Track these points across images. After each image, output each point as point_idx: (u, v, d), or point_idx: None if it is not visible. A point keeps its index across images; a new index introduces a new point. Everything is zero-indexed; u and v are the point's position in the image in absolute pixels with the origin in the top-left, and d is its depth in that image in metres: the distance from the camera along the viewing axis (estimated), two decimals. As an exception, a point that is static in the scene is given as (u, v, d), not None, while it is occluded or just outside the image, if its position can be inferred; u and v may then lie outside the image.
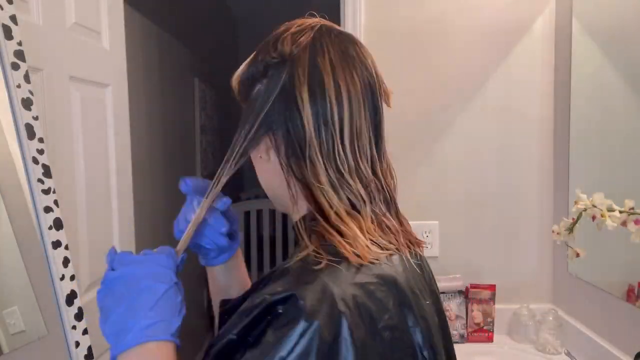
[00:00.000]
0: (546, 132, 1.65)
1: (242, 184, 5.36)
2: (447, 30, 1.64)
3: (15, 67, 0.92)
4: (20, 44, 0.93)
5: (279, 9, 4.80)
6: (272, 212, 4.17)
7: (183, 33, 3.25)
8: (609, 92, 1.37)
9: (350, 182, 0.58)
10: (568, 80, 1.54)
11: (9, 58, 0.91)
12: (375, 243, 0.57)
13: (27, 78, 0.94)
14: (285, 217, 4.13)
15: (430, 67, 1.65)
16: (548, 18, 1.63)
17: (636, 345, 1.14)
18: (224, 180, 0.63)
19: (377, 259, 0.55)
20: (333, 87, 0.58)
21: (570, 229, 1.16)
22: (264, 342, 0.48)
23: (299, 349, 0.46)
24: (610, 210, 1.04)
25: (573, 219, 1.15)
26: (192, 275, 3.26)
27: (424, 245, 0.69)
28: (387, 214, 0.62)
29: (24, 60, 0.94)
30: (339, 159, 0.58)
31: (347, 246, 0.54)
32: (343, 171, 0.58)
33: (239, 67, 0.69)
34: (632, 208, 1.02)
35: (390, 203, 0.63)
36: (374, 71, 0.62)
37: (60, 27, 1.19)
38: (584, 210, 1.10)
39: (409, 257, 0.61)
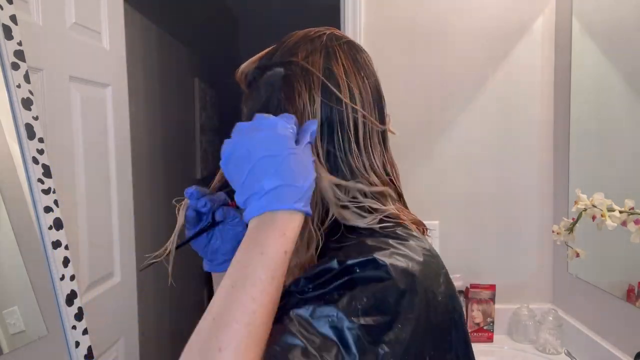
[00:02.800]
0: (546, 132, 1.65)
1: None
2: (447, 30, 1.64)
3: (15, 67, 0.92)
4: (20, 44, 0.93)
5: (279, 9, 4.81)
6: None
7: (183, 33, 3.25)
8: (609, 92, 1.37)
9: (375, 179, 0.62)
10: (568, 80, 1.54)
11: (9, 58, 0.91)
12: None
13: (27, 78, 0.95)
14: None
15: (430, 67, 1.65)
16: (548, 18, 1.63)
17: (636, 345, 1.14)
18: None
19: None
20: (347, 92, 0.61)
21: (570, 229, 1.16)
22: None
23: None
24: (610, 210, 1.04)
25: (573, 219, 1.15)
26: (192, 275, 3.26)
27: None
28: (404, 211, 0.64)
29: (24, 60, 0.94)
30: (354, 159, 0.61)
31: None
32: (361, 171, 0.61)
33: (239, 67, 0.69)
34: (632, 208, 1.02)
35: (402, 201, 0.67)
36: (378, 79, 0.66)
37: (60, 27, 1.19)
38: (584, 210, 1.10)
39: None
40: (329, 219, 0.60)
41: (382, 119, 0.65)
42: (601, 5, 1.40)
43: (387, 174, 0.64)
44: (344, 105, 0.60)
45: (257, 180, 0.51)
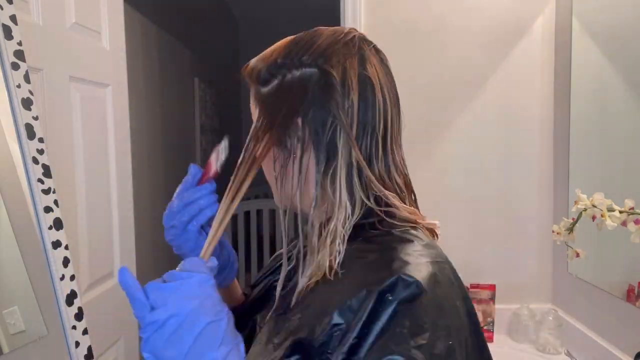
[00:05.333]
0: (546, 132, 1.65)
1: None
2: (447, 31, 1.64)
3: (15, 67, 0.92)
4: (20, 44, 0.93)
5: (279, 9, 4.81)
6: (272, 212, 4.17)
7: (183, 33, 3.25)
8: (609, 92, 1.37)
9: (397, 179, 0.64)
10: (568, 80, 1.54)
11: (9, 58, 0.91)
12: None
13: (27, 78, 0.94)
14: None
15: (430, 67, 1.65)
16: (548, 18, 1.63)
17: (636, 345, 1.14)
18: (251, 175, 0.61)
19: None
20: (381, 95, 0.61)
21: (570, 229, 1.16)
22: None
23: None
24: (610, 210, 1.04)
25: (573, 219, 1.15)
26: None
27: None
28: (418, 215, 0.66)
29: (24, 60, 0.94)
30: (380, 161, 0.62)
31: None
32: (383, 172, 0.62)
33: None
34: (632, 208, 1.02)
35: (416, 202, 0.69)
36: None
37: (60, 27, 1.19)
38: (584, 210, 1.10)
39: None
40: (354, 219, 0.59)
41: (401, 120, 0.66)
42: (601, 5, 1.40)
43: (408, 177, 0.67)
44: (377, 108, 0.61)
45: (202, 355, 0.48)
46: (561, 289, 1.63)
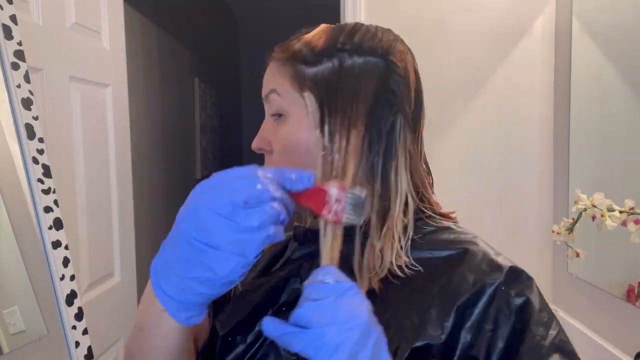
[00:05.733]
0: (546, 132, 1.65)
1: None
2: (447, 30, 1.64)
3: (15, 67, 0.92)
4: (20, 44, 0.93)
5: (279, 9, 4.81)
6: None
7: (183, 33, 3.25)
8: (609, 92, 1.37)
9: (429, 176, 0.67)
10: (568, 80, 1.54)
11: (9, 58, 0.91)
12: None
13: (27, 78, 0.95)
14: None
15: (430, 67, 1.64)
16: (548, 18, 1.63)
17: (636, 345, 1.14)
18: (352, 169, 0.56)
19: None
20: (422, 91, 0.65)
21: (570, 229, 1.16)
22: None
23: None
24: (610, 210, 1.04)
25: (573, 218, 1.15)
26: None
27: None
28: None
29: (24, 60, 0.94)
30: (421, 153, 0.65)
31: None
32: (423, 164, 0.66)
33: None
34: (632, 208, 1.02)
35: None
36: None
37: (60, 27, 1.19)
38: (584, 210, 1.10)
39: None
40: (411, 209, 0.60)
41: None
42: (601, 5, 1.40)
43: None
44: (422, 104, 0.65)
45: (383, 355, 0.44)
46: (561, 289, 1.63)
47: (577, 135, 1.51)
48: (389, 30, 0.67)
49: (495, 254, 0.58)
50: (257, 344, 0.58)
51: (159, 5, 2.81)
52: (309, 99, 0.58)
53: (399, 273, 0.55)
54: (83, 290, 1.24)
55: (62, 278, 0.97)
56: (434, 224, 0.63)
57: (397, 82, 0.61)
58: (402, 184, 0.60)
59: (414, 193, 0.61)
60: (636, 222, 0.99)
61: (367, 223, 0.57)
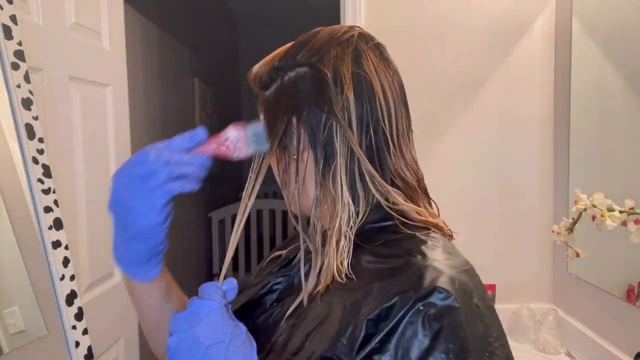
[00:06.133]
0: (546, 132, 1.65)
1: (242, 184, 5.36)
2: (447, 30, 1.64)
3: (15, 67, 0.92)
4: (20, 44, 0.93)
5: (279, 9, 4.81)
6: (272, 212, 4.17)
7: (183, 33, 3.25)
8: (609, 92, 1.37)
9: (407, 177, 0.62)
10: (568, 80, 1.54)
11: (9, 58, 0.91)
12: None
13: (27, 78, 0.95)
14: (285, 216, 4.13)
15: (430, 67, 1.65)
16: (548, 18, 1.63)
17: (636, 345, 1.14)
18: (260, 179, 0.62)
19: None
20: (380, 89, 0.60)
21: (570, 229, 1.16)
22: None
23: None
24: (610, 210, 1.04)
25: (573, 218, 1.15)
26: (192, 274, 3.25)
27: None
28: (429, 208, 0.65)
29: (24, 60, 0.94)
30: (392, 158, 0.61)
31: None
32: (389, 170, 0.61)
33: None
34: (632, 208, 1.02)
35: (430, 200, 0.67)
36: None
37: (60, 27, 1.19)
38: (584, 210, 1.10)
39: None
40: (359, 220, 0.59)
41: (408, 115, 0.64)
42: (601, 5, 1.40)
43: (419, 173, 0.65)
44: (377, 103, 0.59)
45: None
46: (561, 289, 1.63)
47: (577, 135, 1.51)
48: (335, 32, 0.63)
49: (435, 270, 0.52)
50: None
51: (159, 5, 2.81)
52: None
53: (340, 280, 0.55)
54: (83, 290, 1.24)
55: (62, 278, 0.97)
56: (402, 231, 0.58)
57: (324, 87, 0.59)
58: (344, 192, 0.58)
59: (364, 201, 0.59)
60: (636, 222, 0.99)
61: (315, 229, 0.60)
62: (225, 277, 0.60)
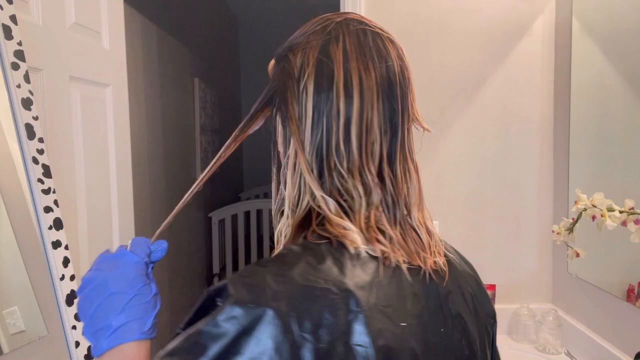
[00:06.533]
0: (546, 132, 1.65)
1: (242, 184, 5.36)
2: (447, 30, 1.64)
3: (15, 67, 0.92)
4: (20, 44, 0.93)
5: (279, 9, 4.81)
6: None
7: (183, 33, 3.25)
8: (609, 92, 1.37)
9: (348, 179, 0.55)
10: (568, 80, 1.54)
11: (9, 58, 0.91)
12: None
13: (27, 78, 0.94)
14: (285, 217, 4.12)
15: (430, 67, 1.65)
16: (548, 18, 1.63)
17: (636, 345, 1.14)
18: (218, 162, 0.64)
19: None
20: (342, 78, 0.54)
21: (570, 229, 1.16)
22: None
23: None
24: (610, 210, 1.04)
25: (573, 218, 1.15)
26: (191, 275, 3.26)
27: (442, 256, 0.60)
28: (385, 219, 0.56)
29: (24, 60, 0.94)
30: (338, 154, 0.55)
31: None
32: (341, 168, 0.55)
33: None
34: (632, 208, 1.02)
35: (396, 207, 0.57)
36: (397, 69, 0.58)
37: (60, 27, 1.19)
38: (584, 210, 1.10)
39: (400, 266, 0.54)
40: (296, 215, 0.57)
41: (391, 111, 0.56)
42: (601, 5, 1.40)
43: (382, 179, 0.56)
44: (334, 92, 0.54)
45: (106, 317, 0.55)
46: (561, 289, 1.63)
47: (577, 135, 1.51)
48: (319, 20, 0.59)
49: (248, 272, 0.49)
50: None
51: (159, 5, 2.81)
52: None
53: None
54: (83, 290, 1.24)
55: (62, 278, 0.97)
56: (313, 238, 0.54)
57: (287, 80, 0.57)
58: (287, 186, 0.58)
59: (301, 198, 0.56)
60: (636, 222, 0.99)
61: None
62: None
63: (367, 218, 0.55)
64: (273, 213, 0.64)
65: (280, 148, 0.62)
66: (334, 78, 0.55)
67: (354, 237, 0.52)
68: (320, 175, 0.56)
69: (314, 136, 0.55)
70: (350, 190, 0.55)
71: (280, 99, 0.58)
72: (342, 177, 0.55)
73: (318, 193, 0.55)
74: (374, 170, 0.55)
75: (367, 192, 0.55)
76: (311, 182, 0.55)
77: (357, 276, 0.50)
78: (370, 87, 0.55)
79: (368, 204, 0.55)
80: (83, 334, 0.57)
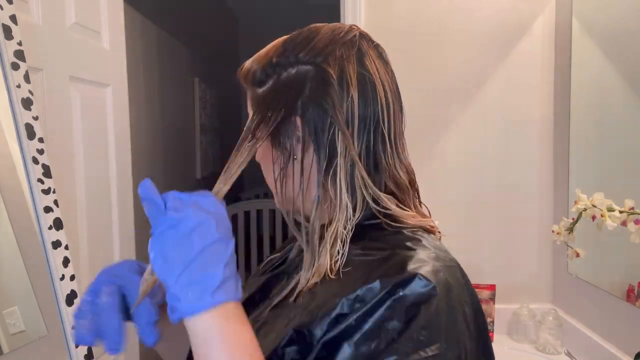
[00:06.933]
0: (546, 132, 1.65)
1: (242, 184, 5.36)
2: (447, 31, 1.64)
3: (15, 67, 0.92)
4: (20, 44, 0.93)
5: (279, 9, 4.81)
6: (272, 212, 4.17)
7: (183, 33, 3.25)
8: (609, 92, 1.37)
9: (396, 176, 0.62)
10: (568, 80, 1.54)
11: (9, 58, 0.91)
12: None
13: (27, 78, 0.95)
14: (285, 217, 4.12)
15: (430, 67, 1.65)
16: (548, 18, 1.63)
17: (636, 345, 1.14)
18: (237, 170, 0.59)
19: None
20: (382, 90, 0.61)
21: (570, 229, 1.16)
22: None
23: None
24: (610, 210, 1.04)
25: (573, 218, 1.15)
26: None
27: None
28: (420, 208, 0.66)
29: (24, 60, 0.94)
30: (385, 155, 0.61)
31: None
32: (387, 166, 0.61)
33: (239, 67, 0.67)
34: (632, 208, 1.02)
35: (419, 198, 0.67)
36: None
37: (60, 27, 1.19)
38: (584, 210, 1.10)
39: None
40: (355, 218, 0.59)
41: (402, 116, 0.65)
42: (601, 5, 1.40)
43: (413, 173, 0.65)
44: (379, 104, 0.60)
45: (213, 266, 0.47)
46: (561, 289, 1.63)
47: (577, 135, 1.51)
48: (337, 31, 0.63)
49: (419, 260, 0.53)
50: None
51: (159, 5, 2.81)
52: (253, 118, 0.62)
53: (330, 274, 0.55)
54: (83, 290, 1.24)
55: (62, 278, 0.97)
56: (389, 228, 0.59)
57: (329, 88, 0.59)
58: (342, 194, 0.58)
59: (360, 203, 0.59)
60: (636, 222, 0.99)
61: (313, 229, 0.60)
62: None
63: (415, 206, 0.65)
64: (281, 205, 0.64)
65: (298, 153, 0.61)
66: (377, 90, 0.60)
67: (431, 223, 0.64)
68: (368, 174, 0.60)
69: (360, 139, 0.60)
70: (401, 184, 0.62)
71: (317, 105, 0.59)
72: (388, 175, 0.61)
73: (376, 192, 0.60)
74: (405, 171, 0.64)
75: (414, 187, 0.65)
76: (368, 180, 0.59)
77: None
78: (395, 98, 0.63)
79: (404, 202, 0.63)
80: (169, 287, 0.46)
